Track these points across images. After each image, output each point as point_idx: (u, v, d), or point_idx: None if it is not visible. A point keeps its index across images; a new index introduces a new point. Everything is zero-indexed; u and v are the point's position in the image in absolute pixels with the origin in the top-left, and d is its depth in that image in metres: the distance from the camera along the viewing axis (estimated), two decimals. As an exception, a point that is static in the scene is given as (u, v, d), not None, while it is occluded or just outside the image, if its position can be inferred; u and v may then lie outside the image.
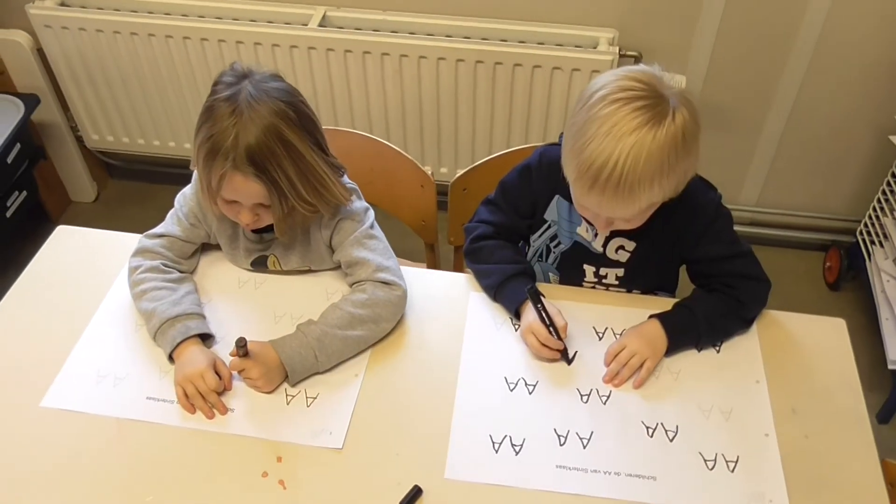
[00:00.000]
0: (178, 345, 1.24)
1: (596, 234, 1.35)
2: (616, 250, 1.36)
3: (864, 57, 2.06)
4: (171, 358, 1.26)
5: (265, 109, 1.18)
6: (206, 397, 1.20)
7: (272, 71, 1.25)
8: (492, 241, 1.40)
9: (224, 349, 1.28)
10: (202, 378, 1.20)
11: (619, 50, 2.06)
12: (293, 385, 1.24)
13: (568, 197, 1.34)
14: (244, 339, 1.19)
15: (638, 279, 1.40)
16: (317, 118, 1.27)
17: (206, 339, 1.29)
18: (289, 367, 1.22)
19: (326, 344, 1.23)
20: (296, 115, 1.21)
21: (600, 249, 1.37)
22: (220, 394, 1.22)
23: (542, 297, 1.27)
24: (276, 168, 1.19)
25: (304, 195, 1.23)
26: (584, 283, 1.43)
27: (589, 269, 1.41)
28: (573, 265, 1.42)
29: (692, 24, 2.06)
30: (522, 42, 2.09)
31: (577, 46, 2.07)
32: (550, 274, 1.47)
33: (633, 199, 1.14)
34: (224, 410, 1.21)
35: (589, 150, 1.12)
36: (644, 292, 1.43)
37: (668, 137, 1.11)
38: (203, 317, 1.30)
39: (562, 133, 1.32)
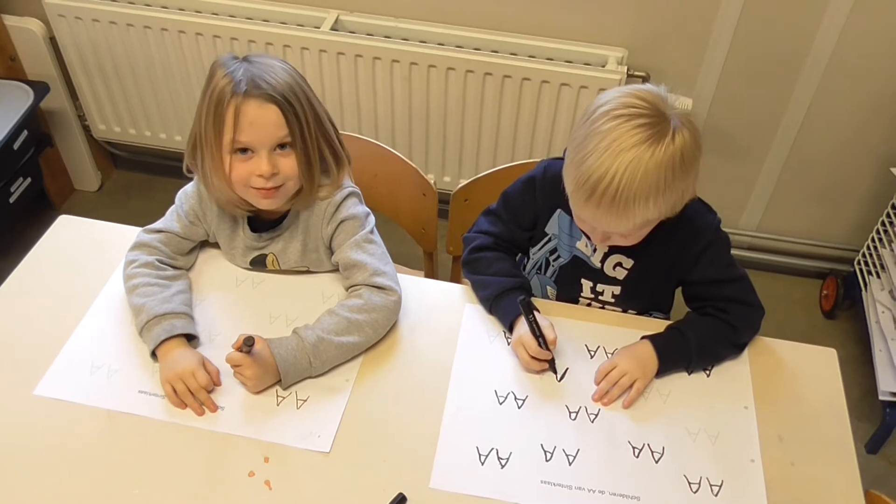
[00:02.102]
0: (162, 342, 1.24)
1: (595, 249, 1.36)
2: (614, 267, 1.37)
3: (870, 88, 2.08)
4: (154, 355, 1.26)
5: (267, 59, 1.25)
6: (195, 394, 1.21)
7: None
8: (490, 252, 1.41)
9: (212, 349, 1.28)
10: (193, 376, 1.21)
11: (628, 70, 2.07)
12: (285, 388, 1.24)
13: (570, 211, 1.35)
14: (253, 338, 1.19)
15: (634, 298, 1.41)
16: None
17: (190, 339, 1.29)
18: (283, 370, 1.22)
19: (322, 350, 1.24)
20: (304, 82, 1.27)
21: (598, 265, 1.38)
22: (209, 391, 1.22)
23: (534, 310, 1.27)
24: (290, 93, 1.22)
25: (316, 135, 1.27)
26: (580, 298, 1.44)
27: (586, 284, 1.41)
28: (571, 279, 1.42)
29: (701, 48, 2.07)
30: (532, 56, 2.10)
31: (586, 64, 2.08)
32: (548, 287, 1.47)
33: (627, 215, 1.15)
34: (214, 408, 1.21)
35: (587, 163, 1.14)
36: (639, 313, 1.44)
37: (665, 156, 1.12)
38: (191, 317, 1.30)
39: (567, 148, 1.33)
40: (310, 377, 1.25)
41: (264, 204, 1.30)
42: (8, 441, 1.17)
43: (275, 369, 1.22)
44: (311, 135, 1.26)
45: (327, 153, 1.32)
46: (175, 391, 1.21)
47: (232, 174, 1.25)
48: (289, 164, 1.26)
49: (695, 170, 1.18)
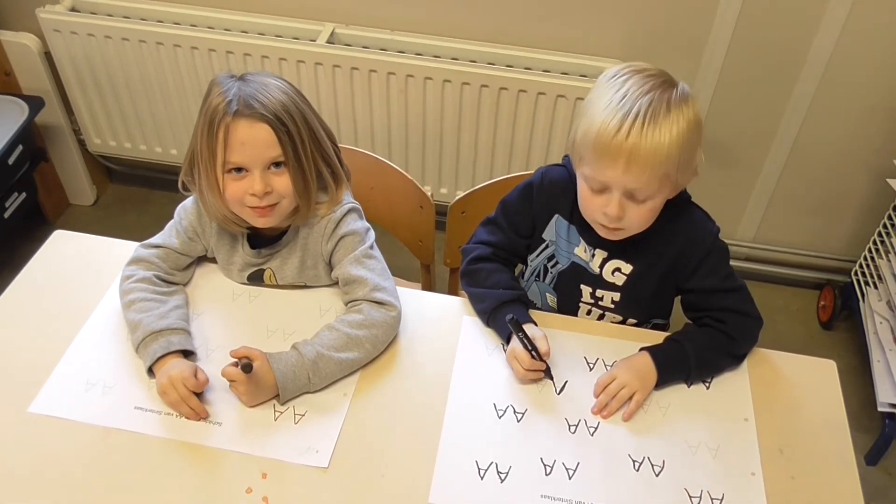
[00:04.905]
0: (159, 359, 1.23)
1: (593, 255, 1.36)
2: (612, 272, 1.37)
3: (865, 100, 2.08)
4: (150, 371, 1.25)
5: (263, 77, 1.24)
6: (186, 401, 1.19)
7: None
8: (489, 263, 1.41)
9: (209, 364, 1.27)
10: (182, 382, 1.19)
11: (623, 81, 2.08)
12: (282, 404, 1.23)
13: (567, 217, 1.35)
14: (251, 365, 1.18)
15: (633, 304, 1.41)
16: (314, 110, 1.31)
17: (188, 355, 1.28)
18: (282, 386, 1.21)
19: (321, 366, 1.23)
20: (301, 100, 1.26)
21: (597, 271, 1.38)
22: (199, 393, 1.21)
23: (529, 322, 1.27)
24: (283, 112, 1.21)
25: (311, 153, 1.26)
26: (581, 303, 1.44)
27: (586, 290, 1.41)
28: (570, 285, 1.42)
29: (696, 60, 2.08)
30: (528, 69, 2.10)
31: (582, 76, 2.09)
32: (547, 294, 1.47)
33: (657, 141, 1.15)
34: (205, 413, 1.20)
35: (611, 105, 1.17)
36: (639, 320, 1.44)
37: (681, 99, 1.17)
38: (188, 332, 1.29)
39: (565, 155, 1.33)
40: (307, 392, 1.25)
41: (259, 223, 1.29)
42: (2, 459, 1.15)
43: (273, 384, 1.21)
44: (307, 153, 1.26)
45: (325, 171, 1.31)
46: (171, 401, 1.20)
47: (226, 193, 1.25)
48: (283, 182, 1.25)
49: (700, 138, 1.21)
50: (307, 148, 1.26)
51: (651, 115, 1.15)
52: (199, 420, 1.20)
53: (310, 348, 1.23)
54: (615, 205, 1.21)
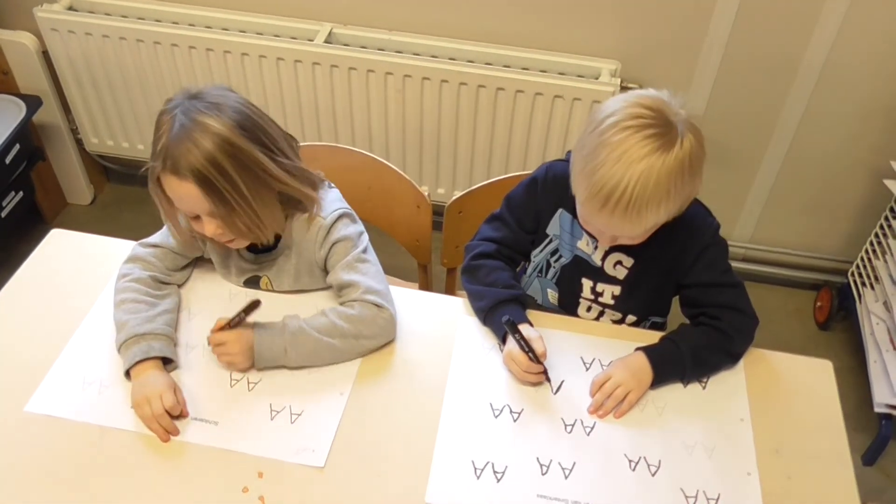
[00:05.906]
0: (137, 363, 1.23)
1: (596, 247, 1.37)
2: (614, 265, 1.38)
3: (861, 100, 2.08)
4: (128, 374, 1.24)
5: (197, 114, 1.16)
6: (158, 419, 1.18)
7: (223, 86, 1.25)
8: (491, 260, 1.41)
9: (206, 362, 1.27)
10: (160, 398, 1.18)
11: (621, 82, 2.08)
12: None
13: (571, 210, 1.36)
14: (258, 301, 1.23)
15: (633, 299, 1.41)
16: (270, 125, 1.24)
17: (169, 362, 1.27)
18: (257, 350, 1.23)
19: (300, 342, 1.25)
20: (236, 120, 1.18)
21: (599, 263, 1.38)
22: (177, 417, 1.20)
23: (525, 322, 1.27)
24: (208, 167, 1.15)
25: (251, 197, 1.20)
26: (581, 299, 1.44)
27: (587, 284, 1.42)
28: (572, 280, 1.43)
29: (693, 60, 2.08)
30: (525, 69, 2.10)
31: (579, 76, 2.09)
32: (549, 290, 1.47)
33: (640, 220, 1.19)
34: (176, 431, 1.19)
35: (600, 174, 1.16)
36: (638, 318, 1.44)
37: (676, 163, 1.15)
38: (171, 339, 1.28)
39: (569, 151, 1.34)
40: (286, 367, 1.27)
41: (220, 242, 1.30)
42: (-2, 457, 1.16)
43: (252, 348, 1.24)
44: (243, 199, 1.19)
45: (275, 203, 1.26)
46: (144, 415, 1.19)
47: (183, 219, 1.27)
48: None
49: (700, 171, 1.21)
50: (244, 194, 1.19)
51: (640, 191, 1.14)
52: (167, 440, 1.18)
53: (295, 322, 1.26)
54: (607, 238, 1.30)
